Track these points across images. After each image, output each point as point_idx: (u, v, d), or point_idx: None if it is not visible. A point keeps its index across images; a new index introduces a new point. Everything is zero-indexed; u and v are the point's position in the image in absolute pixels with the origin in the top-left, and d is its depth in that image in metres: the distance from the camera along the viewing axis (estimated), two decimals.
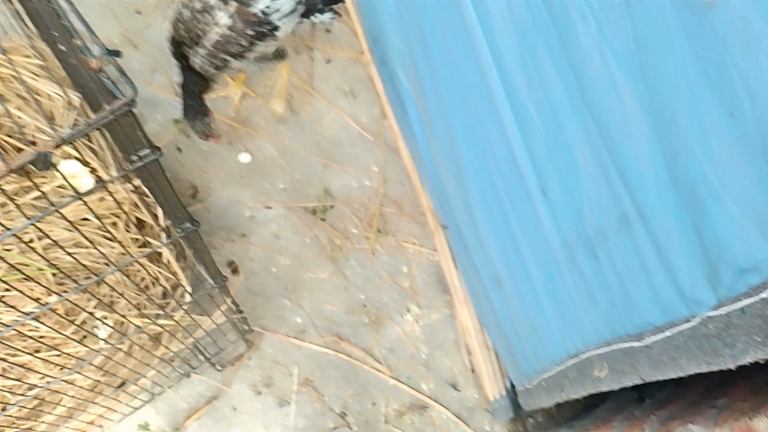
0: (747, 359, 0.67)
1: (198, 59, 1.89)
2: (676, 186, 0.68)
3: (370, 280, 2.08)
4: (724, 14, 0.57)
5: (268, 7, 1.86)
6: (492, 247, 1.42)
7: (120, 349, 1.54)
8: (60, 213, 1.03)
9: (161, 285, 1.69)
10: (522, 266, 1.25)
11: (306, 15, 1.99)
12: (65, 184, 1.85)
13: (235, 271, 2.05)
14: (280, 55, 2.09)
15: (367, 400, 1.92)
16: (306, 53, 2.39)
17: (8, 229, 0.96)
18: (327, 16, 2.04)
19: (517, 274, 1.30)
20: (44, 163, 0.69)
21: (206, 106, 2.00)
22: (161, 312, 1.63)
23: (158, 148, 0.94)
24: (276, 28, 1.90)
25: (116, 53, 0.78)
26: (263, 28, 1.87)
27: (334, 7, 2.04)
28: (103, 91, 0.91)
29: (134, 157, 0.89)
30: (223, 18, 1.83)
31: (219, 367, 1.89)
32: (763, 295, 0.59)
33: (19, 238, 1.09)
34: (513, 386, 1.82)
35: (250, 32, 1.86)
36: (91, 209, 1.16)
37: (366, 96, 2.34)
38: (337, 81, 2.37)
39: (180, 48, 1.89)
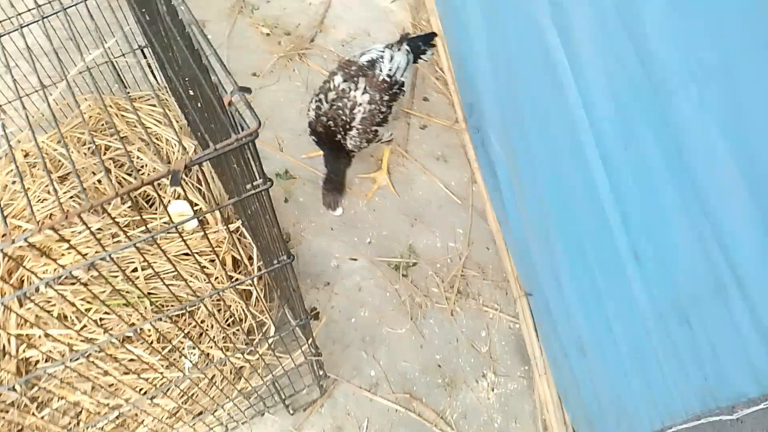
0: None
1: (351, 141, 2.09)
2: None
3: (447, 341, 2.07)
4: None
5: (390, 69, 2.04)
6: (578, 313, 1.40)
7: (204, 375, 1.61)
8: (158, 246, 1.12)
9: (248, 320, 1.77)
10: (609, 334, 1.22)
11: (416, 60, 2.17)
12: (173, 221, 2.01)
13: (316, 317, 2.11)
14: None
15: None
16: (403, 119, 2.51)
17: (108, 253, 1.06)
18: (428, 54, 2.22)
19: (604, 342, 1.27)
20: (174, 179, 0.78)
21: (344, 184, 2.20)
22: (245, 346, 1.70)
23: (269, 179, 1.02)
24: (402, 84, 2.07)
25: (247, 90, 0.88)
26: (394, 89, 2.05)
27: (431, 42, 2.21)
28: (225, 131, 1.01)
29: (248, 186, 0.96)
30: (360, 96, 2.02)
31: (292, 411, 1.92)
32: None
33: (121, 269, 1.20)
34: None
35: (386, 97, 2.05)
36: (187, 246, 1.26)
37: (457, 162, 2.41)
38: (431, 146, 2.46)
39: (327, 136, 2.08)
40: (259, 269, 1.86)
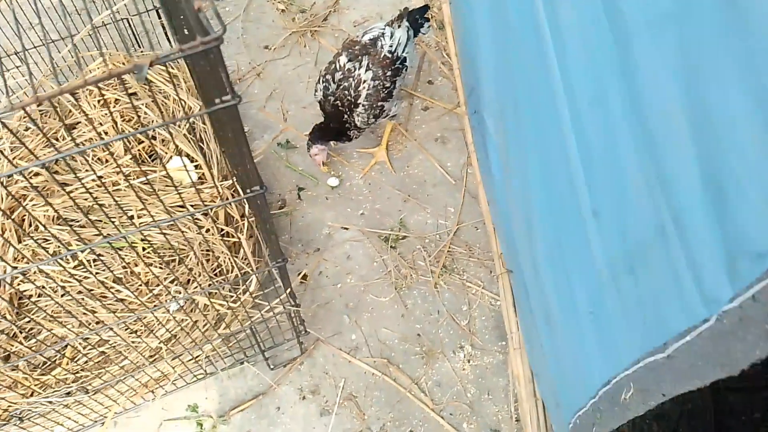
0: (757, 355, 0.67)
1: (359, 118, 2.17)
2: (706, 185, 0.71)
3: (428, 312, 2.12)
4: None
5: (391, 46, 2.10)
6: (547, 283, 1.44)
7: (188, 318, 1.67)
8: (155, 193, 1.18)
9: (235, 271, 1.83)
10: (570, 297, 1.27)
11: (416, 34, 2.22)
12: (174, 175, 2.08)
13: (304, 279, 2.17)
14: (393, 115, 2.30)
15: (406, 427, 1.92)
16: (407, 100, 2.56)
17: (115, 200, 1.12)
18: (426, 26, 2.28)
19: (566, 306, 1.31)
20: (139, 74, 0.80)
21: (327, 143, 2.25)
22: (230, 293, 1.77)
23: (238, 96, 1.03)
24: (404, 59, 2.13)
25: None
26: (396, 64, 2.12)
27: (425, 15, 2.28)
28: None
29: (217, 101, 0.97)
30: (363, 73, 2.10)
31: (272, 366, 1.98)
32: None
33: (123, 212, 1.26)
34: None
35: (389, 72, 2.11)
36: (181, 196, 1.31)
37: (455, 144, 2.46)
38: (431, 128, 2.51)
39: (335, 115, 2.17)
40: (250, 223, 1.93)
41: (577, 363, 1.30)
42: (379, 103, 2.16)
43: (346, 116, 2.15)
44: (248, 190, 1.13)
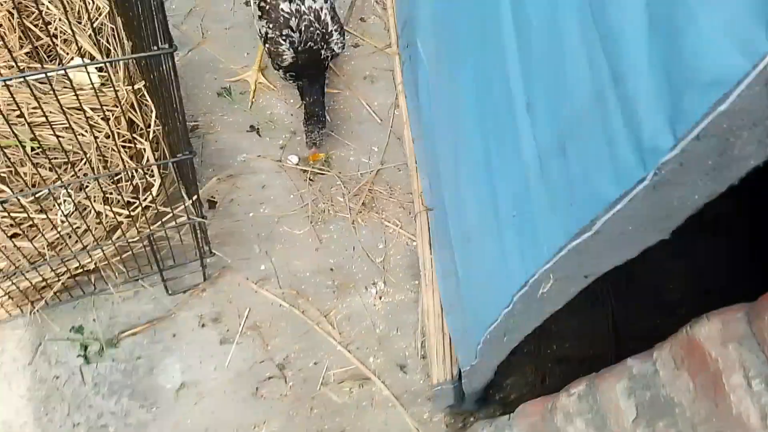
0: (695, 200, 0.64)
1: (336, 45, 2.05)
2: (655, 28, 0.68)
3: (343, 248, 2.05)
4: None
5: None
6: (468, 201, 1.41)
7: (77, 224, 1.51)
8: (53, 90, 1.03)
9: (136, 179, 1.68)
10: (493, 205, 1.23)
11: None
12: (75, 77, 1.88)
13: (212, 206, 2.03)
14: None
15: (311, 359, 1.84)
16: None
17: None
18: None
19: (487, 217, 1.28)
20: None
21: (326, 115, 2.09)
22: (130, 199, 1.61)
23: (175, 45, 0.94)
24: None
25: None
26: None
27: None
28: None
29: (155, 48, 0.88)
30: (315, 3, 1.97)
31: (170, 291, 1.84)
32: (721, 108, 0.58)
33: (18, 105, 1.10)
34: (460, 377, 1.75)
35: None
36: (77, 96, 1.17)
37: (383, 84, 2.39)
38: (360, 65, 2.42)
39: (311, 60, 2.02)
40: (155, 134, 1.77)
41: (491, 278, 1.27)
42: (341, 22, 2.07)
43: (323, 52, 2.03)
44: (155, 47, 1.01)
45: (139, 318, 1.82)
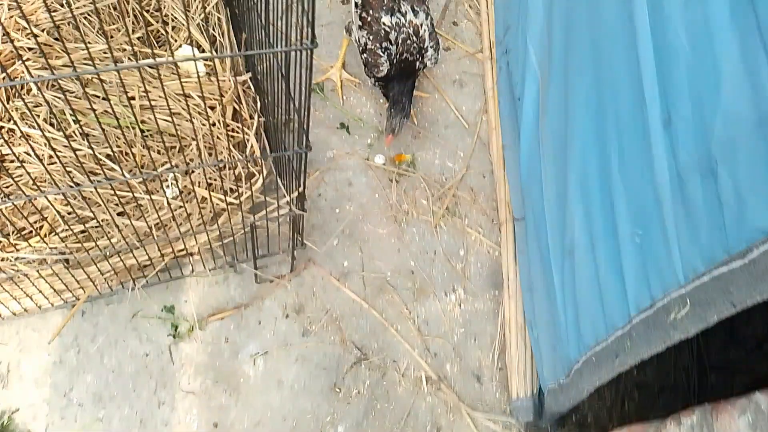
0: None
1: (431, 61, 2.10)
2: None
3: (425, 251, 2.05)
4: None
5: None
6: (576, 215, 1.39)
7: (182, 206, 1.56)
8: (159, 77, 1.08)
9: (239, 169, 1.72)
10: (609, 221, 1.21)
11: None
12: (182, 65, 1.95)
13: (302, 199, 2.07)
14: (347, 29, 2.19)
15: (389, 359, 1.86)
16: None
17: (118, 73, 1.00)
18: None
19: (599, 233, 1.25)
20: None
21: (410, 108, 2.12)
22: (232, 187, 1.66)
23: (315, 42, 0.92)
24: None
25: None
26: None
27: None
28: None
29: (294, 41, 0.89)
30: (416, 18, 2.06)
31: (259, 280, 1.88)
32: None
33: (125, 91, 1.14)
34: (540, 393, 1.73)
35: (426, 3, 2.10)
36: (182, 85, 1.20)
37: (472, 89, 2.38)
38: (450, 69, 2.43)
39: (405, 71, 2.06)
40: (257, 126, 1.82)
41: (603, 293, 1.25)
42: (437, 36, 2.11)
43: (417, 63, 2.07)
44: (298, 43, 1.03)
45: (227, 302, 1.87)
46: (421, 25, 2.03)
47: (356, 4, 2.07)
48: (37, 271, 1.49)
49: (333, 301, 1.93)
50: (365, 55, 2.06)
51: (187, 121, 1.78)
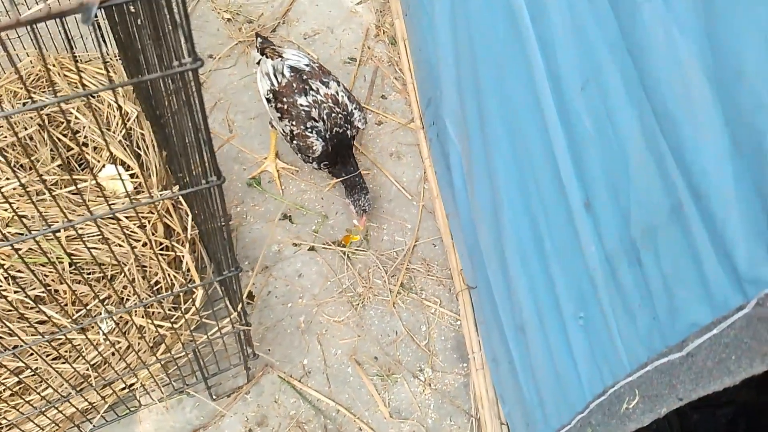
0: None
1: (360, 122, 2.09)
2: (739, 149, 0.64)
3: (386, 333, 1.99)
4: None
5: (297, 62, 2.07)
6: (521, 290, 1.35)
7: (118, 342, 1.48)
8: (86, 205, 1.02)
9: (176, 288, 1.65)
10: (552, 301, 1.18)
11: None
12: (107, 185, 1.89)
13: (251, 299, 2.00)
14: (271, 124, 2.20)
15: None
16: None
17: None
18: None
19: (545, 312, 1.22)
20: (86, 15, 0.67)
21: (365, 182, 2.11)
22: (171, 312, 1.58)
23: (199, 58, 0.88)
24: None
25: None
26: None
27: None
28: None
29: (175, 63, 0.83)
30: (327, 89, 2.05)
31: (215, 396, 1.79)
32: None
33: (47, 223, 1.08)
34: None
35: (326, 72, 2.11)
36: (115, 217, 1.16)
37: (410, 159, 2.38)
38: (385, 142, 2.42)
39: (341, 145, 2.05)
40: (191, 237, 1.76)
41: (559, 375, 1.20)
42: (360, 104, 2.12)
43: (349, 132, 2.05)
44: (204, 181, 0.99)
45: (184, 427, 1.76)
46: (337, 93, 2.03)
47: (267, 100, 2.07)
48: None
49: (297, 405, 1.83)
50: (295, 141, 2.04)
51: (116, 245, 1.71)
